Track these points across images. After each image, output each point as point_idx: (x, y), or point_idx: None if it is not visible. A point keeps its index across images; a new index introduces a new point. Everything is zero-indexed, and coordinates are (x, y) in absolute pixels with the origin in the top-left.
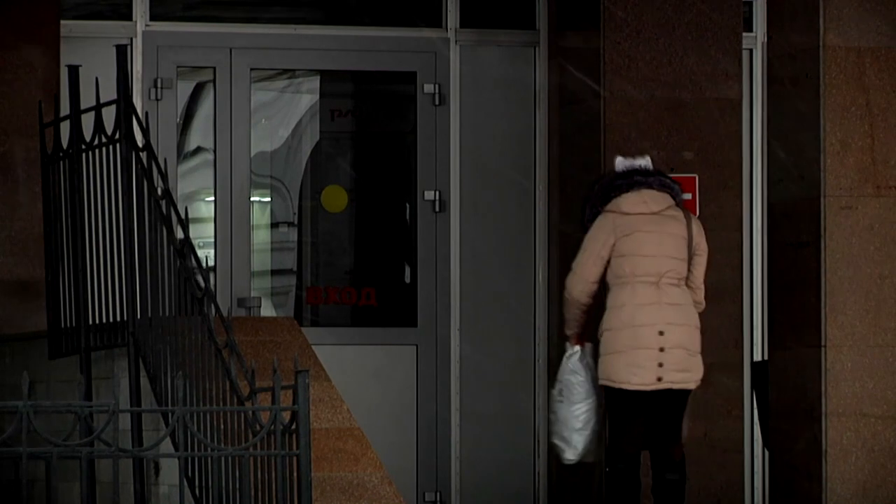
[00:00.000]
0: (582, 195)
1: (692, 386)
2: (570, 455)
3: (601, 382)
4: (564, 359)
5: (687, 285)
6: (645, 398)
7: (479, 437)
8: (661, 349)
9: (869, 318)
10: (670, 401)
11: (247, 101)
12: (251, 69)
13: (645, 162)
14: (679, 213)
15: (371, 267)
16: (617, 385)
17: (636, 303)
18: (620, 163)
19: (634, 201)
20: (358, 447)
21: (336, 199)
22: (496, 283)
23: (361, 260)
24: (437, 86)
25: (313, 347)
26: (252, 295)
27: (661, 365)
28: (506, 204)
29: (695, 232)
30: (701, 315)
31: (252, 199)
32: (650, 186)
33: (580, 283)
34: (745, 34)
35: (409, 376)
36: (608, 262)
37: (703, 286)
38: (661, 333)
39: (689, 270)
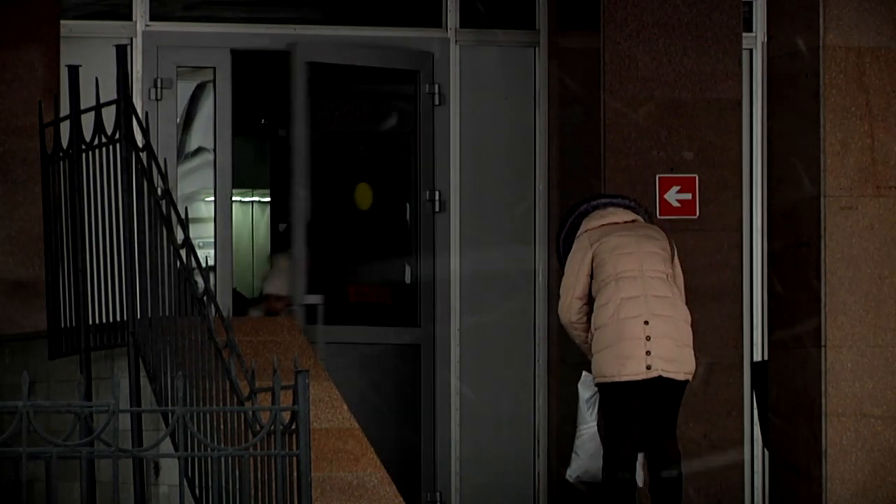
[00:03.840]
0: (555, 234)
1: (680, 377)
2: (566, 473)
3: (595, 381)
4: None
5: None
6: (637, 389)
7: (479, 437)
8: (648, 338)
9: (869, 318)
10: (662, 391)
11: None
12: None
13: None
14: (652, 226)
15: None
16: (609, 379)
17: (620, 297)
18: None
19: (600, 214)
20: (358, 447)
21: (364, 196)
22: (496, 284)
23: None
24: (437, 86)
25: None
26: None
27: (648, 353)
28: (506, 204)
29: (673, 247)
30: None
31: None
32: (615, 206)
33: (566, 301)
34: (745, 34)
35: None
36: (591, 276)
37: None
38: (646, 323)
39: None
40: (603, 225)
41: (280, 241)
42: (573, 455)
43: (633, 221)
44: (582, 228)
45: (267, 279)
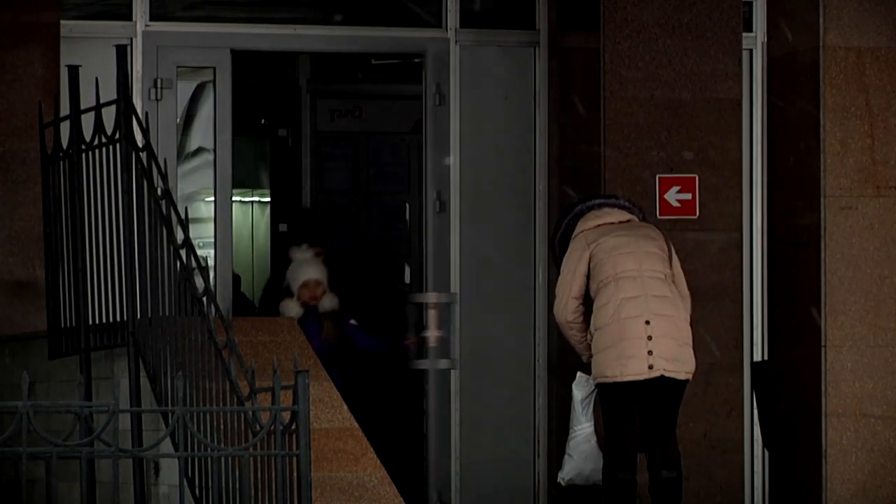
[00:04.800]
0: (549, 237)
1: (683, 377)
2: (558, 477)
3: (596, 381)
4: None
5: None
6: (639, 389)
7: (479, 437)
8: (650, 338)
9: (869, 318)
10: (664, 391)
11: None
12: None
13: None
14: (647, 224)
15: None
16: (610, 379)
17: (620, 297)
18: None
19: (595, 215)
20: (358, 447)
21: None
22: (496, 283)
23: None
24: (437, 86)
25: None
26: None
27: (650, 353)
28: (506, 204)
29: (670, 245)
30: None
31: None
32: (610, 206)
33: (562, 300)
34: (745, 34)
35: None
36: (588, 277)
37: (688, 294)
38: (647, 323)
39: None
40: (599, 225)
41: (281, 240)
42: (566, 457)
43: (628, 221)
44: (578, 229)
45: (298, 268)
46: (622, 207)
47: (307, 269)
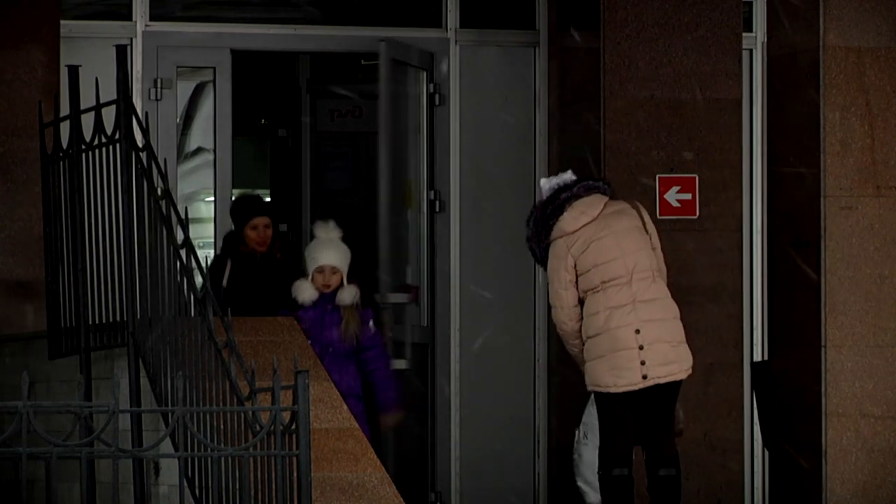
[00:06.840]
0: (525, 237)
1: (682, 376)
2: (594, 500)
3: (589, 388)
4: (590, 401)
5: None
6: (634, 398)
7: (479, 437)
8: (641, 347)
9: (869, 318)
10: (659, 396)
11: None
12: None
13: (567, 176)
14: (622, 205)
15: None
16: (604, 389)
17: (609, 306)
18: (545, 184)
19: (573, 216)
20: (358, 447)
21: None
22: (496, 283)
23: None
24: (437, 86)
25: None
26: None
27: (643, 363)
28: (506, 204)
29: (645, 218)
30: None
31: None
32: (578, 196)
33: (564, 312)
34: (745, 34)
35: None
36: (577, 281)
37: (664, 267)
38: (637, 332)
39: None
40: (580, 228)
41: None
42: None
43: (603, 211)
44: (557, 232)
45: (316, 248)
46: (590, 189)
47: (326, 252)
